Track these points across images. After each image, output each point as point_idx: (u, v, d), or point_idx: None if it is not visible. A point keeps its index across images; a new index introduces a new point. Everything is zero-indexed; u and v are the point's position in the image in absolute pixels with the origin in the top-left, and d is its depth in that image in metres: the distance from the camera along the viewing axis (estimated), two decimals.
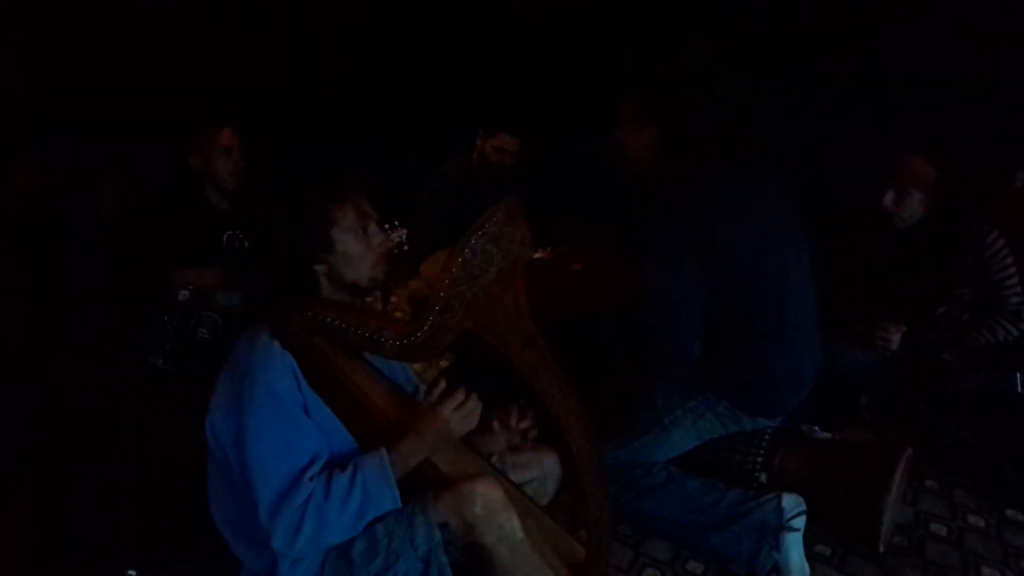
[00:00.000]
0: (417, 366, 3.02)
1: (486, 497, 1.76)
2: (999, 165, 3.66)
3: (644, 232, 2.33)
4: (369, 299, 2.08)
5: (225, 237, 3.01)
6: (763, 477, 2.62)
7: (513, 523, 1.77)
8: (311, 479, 1.69)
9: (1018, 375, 2.85)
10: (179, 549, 2.33)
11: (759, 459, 2.60)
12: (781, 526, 2.38)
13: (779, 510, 2.40)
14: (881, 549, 2.53)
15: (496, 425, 2.09)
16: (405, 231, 3.04)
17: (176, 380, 2.79)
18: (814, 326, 2.52)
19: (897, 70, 4.03)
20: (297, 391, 1.76)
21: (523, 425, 2.08)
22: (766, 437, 2.62)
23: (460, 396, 1.82)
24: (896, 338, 3.02)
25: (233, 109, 3.21)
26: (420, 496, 1.81)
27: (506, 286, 1.64)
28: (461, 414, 1.81)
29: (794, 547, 2.37)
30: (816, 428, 2.92)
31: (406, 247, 2.82)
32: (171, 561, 2.35)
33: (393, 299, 4.12)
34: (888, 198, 3.01)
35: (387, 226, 3.19)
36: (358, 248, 1.89)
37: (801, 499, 2.42)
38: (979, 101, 3.87)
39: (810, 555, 2.45)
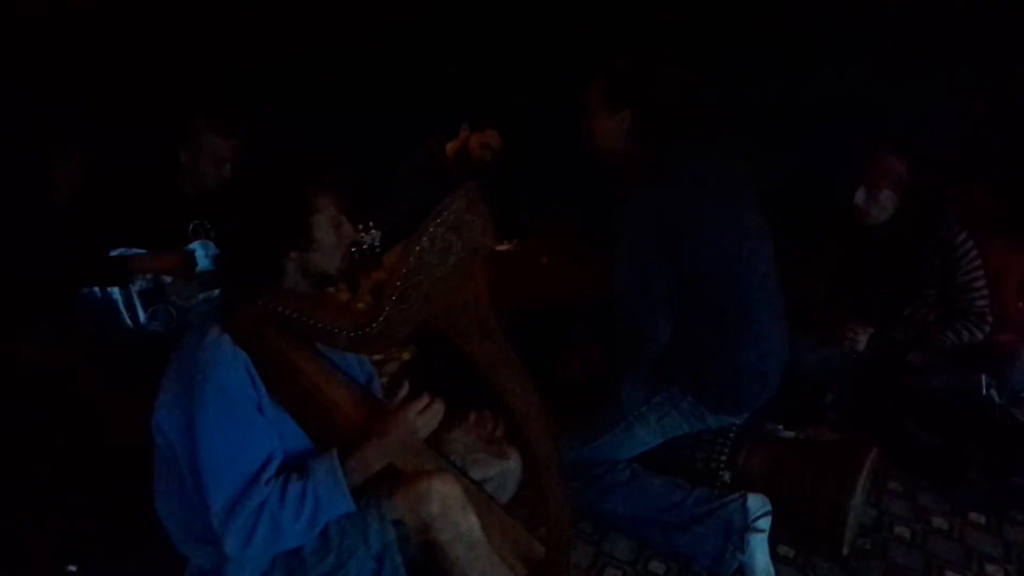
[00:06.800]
0: (378, 357, 2.97)
1: (443, 494, 1.72)
2: (967, 168, 3.67)
3: (611, 219, 2.29)
4: (332, 289, 2.03)
5: (191, 225, 2.93)
6: (727, 476, 2.59)
7: (471, 521, 1.74)
8: (266, 483, 1.63)
9: (983, 377, 2.85)
10: (122, 545, 2.27)
11: (723, 458, 2.57)
12: (746, 526, 2.36)
13: (744, 510, 2.38)
14: (845, 551, 2.52)
15: (472, 419, 2.03)
16: (379, 233, 2.99)
17: (127, 369, 2.71)
18: (780, 321, 2.49)
19: (870, 69, 4.02)
20: (251, 388, 1.69)
21: (497, 433, 2.01)
22: (731, 435, 2.59)
23: (424, 400, 1.75)
24: (863, 338, 3.01)
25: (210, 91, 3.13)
26: (375, 492, 1.77)
27: (465, 276, 1.59)
28: (425, 418, 1.74)
29: (759, 548, 2.35)
30: (781, 427, 2.91)
31: (378, 248, 2.77)
32: (113, 557, 2.29)
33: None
34: (859, 195, 3.00)
35: (361, 226, 3.14)
36: (332, 238, 1.82)
37: (766, 499, 2.40)
38: (949, 104, 3.87)
39: (773, 556, 2.43)
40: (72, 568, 2.21)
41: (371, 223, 3.19)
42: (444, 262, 1.54)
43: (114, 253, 2.76)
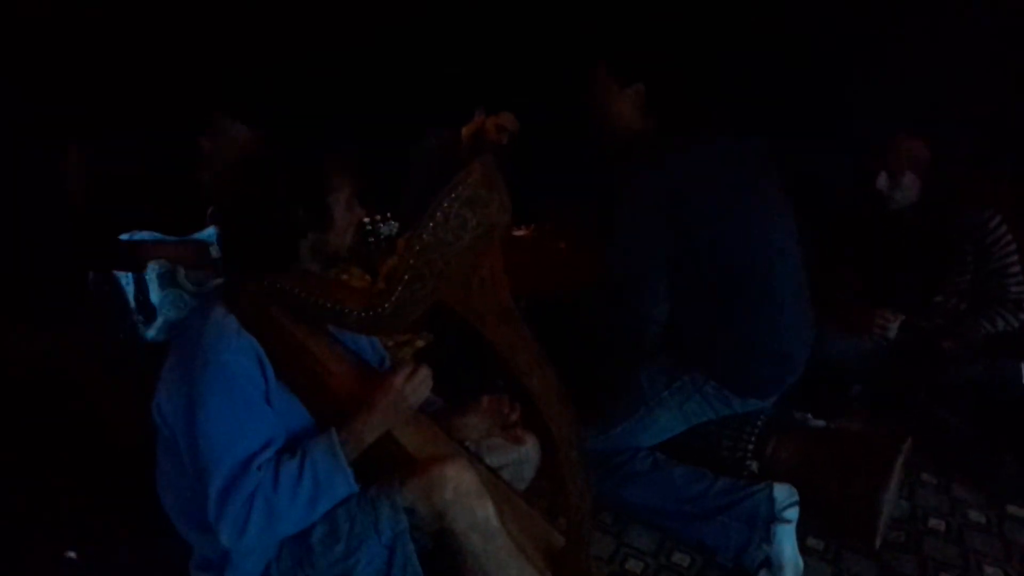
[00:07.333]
0: (392, 343, 2.91)
1: (458, 481, 1.65)
2: (987, 157, 3.58)
3: (614, 197, 2.26)
4: (346, 276, 1.97)
5: (209, 211, 2.87)
6: (754, 466, 2.53)
7: (487, 509, 1.67)
8: (259, 468, 1.57)
9: (1022, 365, 2.76)
10: (123, 531, 2.23)
11: (750, 446, 2.51)
12: (773, 517, 2.29)
13: (771, 500, 2.31)
14: (877, 544, 2.44)
15: (486, 402, 1.99)
16: (397, 224, 2.93)
17: (135, 356, 2.67)
18: (803, 301, 2.42)
19: (892, 56, 3.93)
20: (258, 374, 1.63)
21: (512, 417, 1.97)
22: (758, 423, 2.52)
23: (409, 367, 1.70)
24: (894, 326, 2.93)
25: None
26: (386, 479, 1.70)
27: (481, 255, 1.53)
28: (412, 384, 1.69)
29: (787, 540, 2.28)
30: (809, 416, 2.82)
31: (395, 236, 2.71)
32: (114, 544, 2.25)
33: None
34: (881, 180, 2.94)
35: (378, 217, 3.08)
36: (346, 219, 1.79)
37: (794, 489, 2.33)
38: (970, 91, 3.77)
39: (802, 549, 2.35)
40: (71, 555, 2.18)
41: (388, 213, 3.14)
42: (459, 240, 1.47)
43: (127, 237, 2.72)
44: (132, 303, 2.71)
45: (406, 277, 1.51)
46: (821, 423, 2.83)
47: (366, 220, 2.83)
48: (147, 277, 2.73)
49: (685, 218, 2.16)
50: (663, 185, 2.16)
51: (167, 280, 2.77)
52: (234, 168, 2.36)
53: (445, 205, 1.46)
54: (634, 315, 2.32)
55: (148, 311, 2.72)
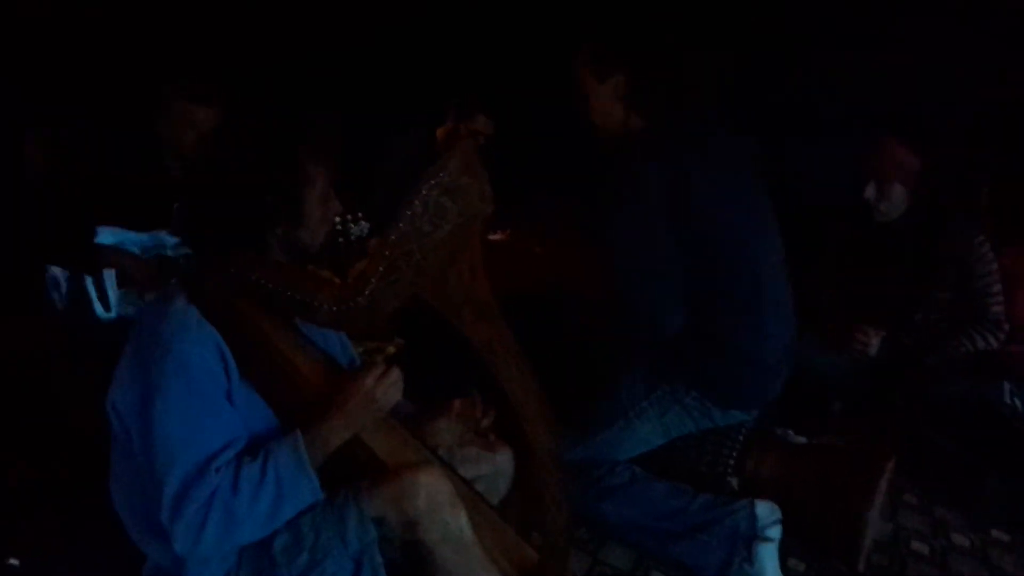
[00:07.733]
0: (360, 349, 2.82)
1: (431, 489, 1.58)
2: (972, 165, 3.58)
3: (609, 197, 2.16)
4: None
5: (175, 207, 2.79)
6: (735, 482, 2.47)
7: (460, 521, 1.60)
8: (217, 470, 1.47)
9: (1005, 384, 2.72)
10: (71, 538, 2.13)
11: (731, 462, 2.45)
12: (755, 535, 2.22)
13: (753, 518, 2.24)
14: (861, 566, 2.38)
15: (457, 406, 1.91)
16: (368, 225, 2.86)
17: (95, 348, 2.57)
18: (786, 311, 2.36)
19: (871, 59, 3.93)
20: (220, 371, 1.53)
21: (485, 422, 1.90)
22: (739, 438, 2.46)
23: (380, 368, 1.62)
24: (875, 343, 2.90)
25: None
26: (354, 486, 1.61)
27: (461, 246, 1.47)
28: (384, 385, 1.61)
29: (769, 559, 2.21)
30: (790, 432, 2.77)
31: (366, 237, 2.64)
32: (61, 551, 2.14)
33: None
34: (869, 190, 2.91)
35: (349, 217, 3.00)
36: (319, 212, 1.69)
37: (776, 507, 2.27)
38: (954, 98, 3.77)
39: (783, 570, 2.28)
40: (14, 562, 2.07)
41: (360, 213, 3.07)
42: (438, 229, 1.42)
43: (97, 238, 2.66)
44: (93, 296, 2.62)
45: (381, 268, 1.44)
46: (802, 439, 2.77)
47: (336, 219, 2.76)
48: (105, 279, 2.65)
49: (680, 217, 2.09)
50: (663, 179, 2.08)
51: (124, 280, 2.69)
52: (203, 151, 2.27)
53: (424, 193, 1.40)
54: (644, 323, 2.23)
55: (105, 304, 2.63)
